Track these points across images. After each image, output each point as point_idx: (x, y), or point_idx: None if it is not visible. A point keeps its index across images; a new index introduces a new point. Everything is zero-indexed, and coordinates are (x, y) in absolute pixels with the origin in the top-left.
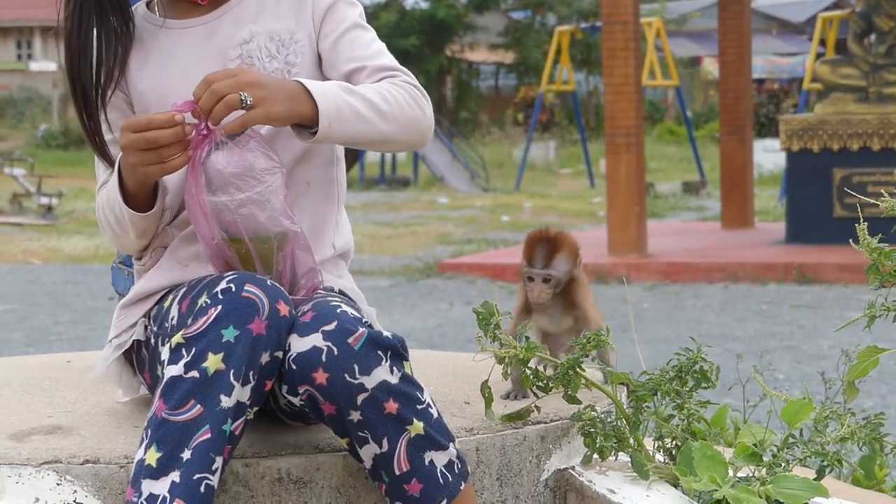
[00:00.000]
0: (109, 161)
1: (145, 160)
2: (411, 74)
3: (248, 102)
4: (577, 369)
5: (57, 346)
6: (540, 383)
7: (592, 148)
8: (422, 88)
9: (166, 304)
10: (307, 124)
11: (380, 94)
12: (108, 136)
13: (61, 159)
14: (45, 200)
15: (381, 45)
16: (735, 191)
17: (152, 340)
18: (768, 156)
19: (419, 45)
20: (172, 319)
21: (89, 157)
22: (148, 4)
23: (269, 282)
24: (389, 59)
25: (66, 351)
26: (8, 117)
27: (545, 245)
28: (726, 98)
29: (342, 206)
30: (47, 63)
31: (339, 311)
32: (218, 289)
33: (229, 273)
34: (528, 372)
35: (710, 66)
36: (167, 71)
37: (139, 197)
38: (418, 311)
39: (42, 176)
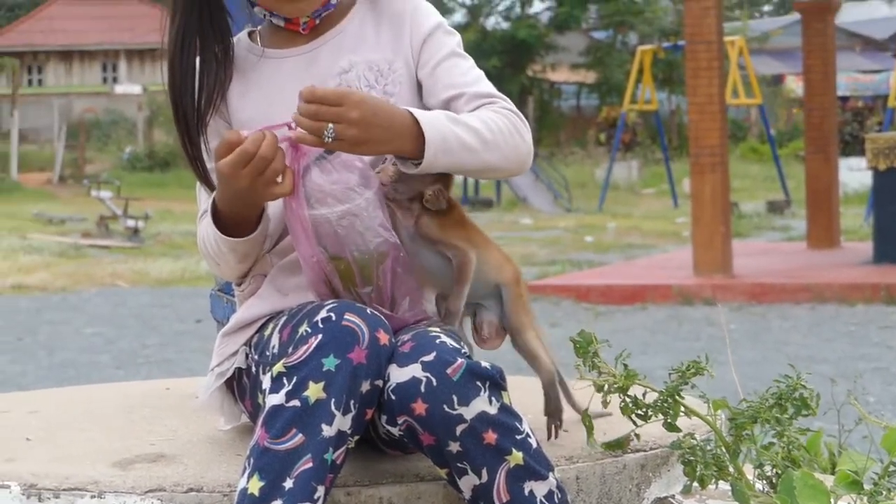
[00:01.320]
0: (212, 186)
1: (255, 183)
2: (510, 101)
3: (331, 139)
4: (677, 397)
5: (145, 370)
6: (639, 411)
7: (675, 167)
8: (521, 115)
9: (267, 332)
10: (410, 155)
11: (483, 122)
12: (209, 164)
13: (147, 182)
14: (131, 223)
15: (480, 73)
16: (820, 210)
17: (253, 369)
18: (853, 174)
19: (500, 65)
20: (273, 348)
21: (174, 179)
22: (250, 34)
23: (368, 310)
24: (488, 86)
25: (154, 373)
26: (94, 140)
27: None
28: (811, 116)
29: None
30: (132, 86)
31: (437, 341)
32: (318, 317)
33: (330, 301)
34: (628, 400)
35: (793, 84)
36: (267, 100)
37: (242, 221)
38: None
39: (128, 198)
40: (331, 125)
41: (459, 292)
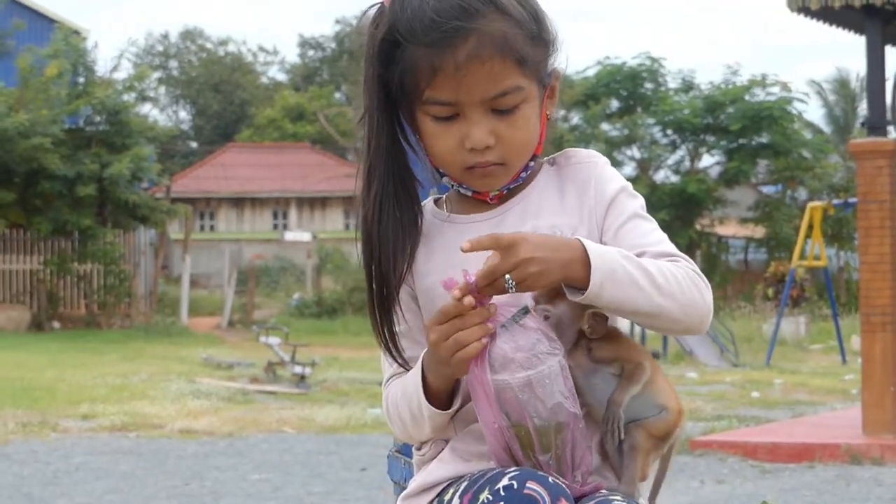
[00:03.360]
0: (396, 354)
1: (449, 349)
2: (693, 262)
3: (513, 289)
4: None
5: None
6: None
7: (844, 324)
8: (703, 276)
9: (447, 497)
10: (579, 282)
11: (658, 267)
12: (397, 328)
13: (314, 328)
14: (298, 369)
15: (663, 235)
16: None
17: None
18: None
19: (669, 219)
20: None
21: (341, 326)
22: (436, 201)
23: (550, 479)
24: (671, 247)
25: None
26: (263, 286)
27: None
28: None
29: None
30: (301, 233)
31: None
32: (500, 485)
33: (512, 469)
34: None
35: None
36: (451, 265)
37: (440, 393)
38: (669, 489)
39: (296, 345)
40: (508, 277)
41: (626, 387)
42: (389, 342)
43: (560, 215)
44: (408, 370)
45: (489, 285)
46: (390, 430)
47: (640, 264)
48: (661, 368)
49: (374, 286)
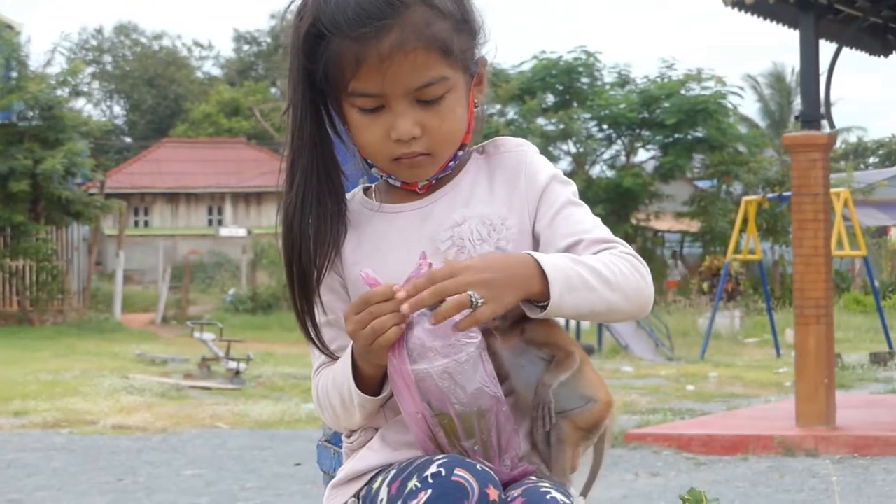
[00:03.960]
0: (320, 345)
1: (367, 338)
2: (628, 245)
3: (479, 304)
4: None
5: None
6: None
7: (778, 317)
8: (640, 258)
9: (376, 485)
10: (536, 298)
11: (604, 263)
12: (321, 319)
13: (249, 324)
14: (233, 365)
15: (597, 220)
16: None
17: None
18: None
19: (605, 213)
20: (382, 501)
21: (276, 322)
22: (366, 190)
23: (478, 466)
24: (606, 232)
25: None
26: (198, 282)
27: None
28: None
29: None
30: (237, 228)
31: (548, 496)
32: (428, 472)
33: (440, 456)
34: None
35: None
36: (380, 254)
37: (370, 380)
38: (604, 482)
39: (230, 341)
40: (471, 291)
41: (555, 372)
42: (313, 334)
43: (489, 204)
44: (336, 360)
45: (449, 307)
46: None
47: (588, 264)
48: (590, 361)
49: (294, 280)
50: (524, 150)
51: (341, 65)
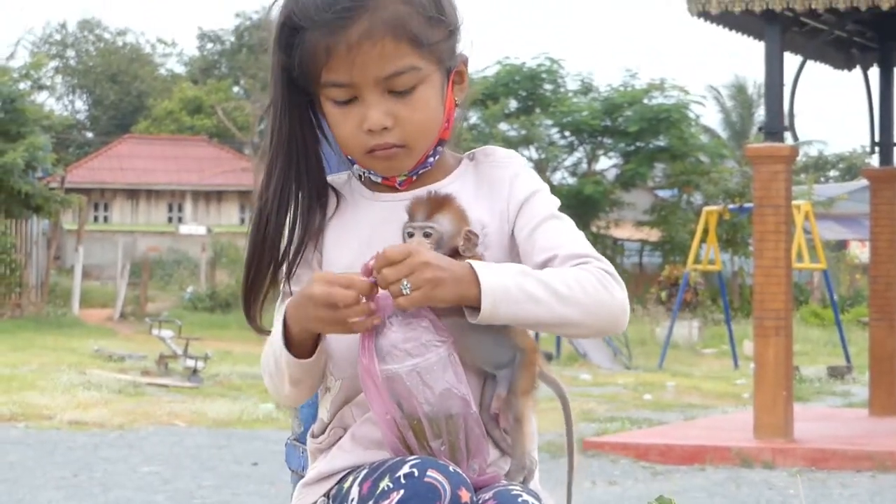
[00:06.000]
0: (257, 329)
1: (326, 317)
2: (605, 260)
3: (408, 292)
4: None
5: None
6: None
7: (736, 328)
8: (615, 274)
9: (346, 484)
10: (474, 303)
11: (560, 277)
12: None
13: (207, 322)
14: (191, 363)
15: (578, 234)
16: (883, 378)
17: None
18: None
19: None
20: (352, 501)
21: (235, 320)
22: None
23: (451, 468)
24: (583, 247)
25: None
26: (156, 279)
27: (429, 202)
28: (876, 283)
29: None
30: (196, 226)
31: (520, 499)
32: (400, 473)
33: (412, 457)
34: None
35: (857, 250)
36: (357, 240)
37: (303, 343)
38: (561, 490)
39: (189, 338)
40: (405, 280)
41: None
42: (252, 315)
43: (471, 210)
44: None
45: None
46: (283, 425)
47: (539, 278)
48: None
49: (252, 263)
50: (511, 161)
51: (314, 55)
